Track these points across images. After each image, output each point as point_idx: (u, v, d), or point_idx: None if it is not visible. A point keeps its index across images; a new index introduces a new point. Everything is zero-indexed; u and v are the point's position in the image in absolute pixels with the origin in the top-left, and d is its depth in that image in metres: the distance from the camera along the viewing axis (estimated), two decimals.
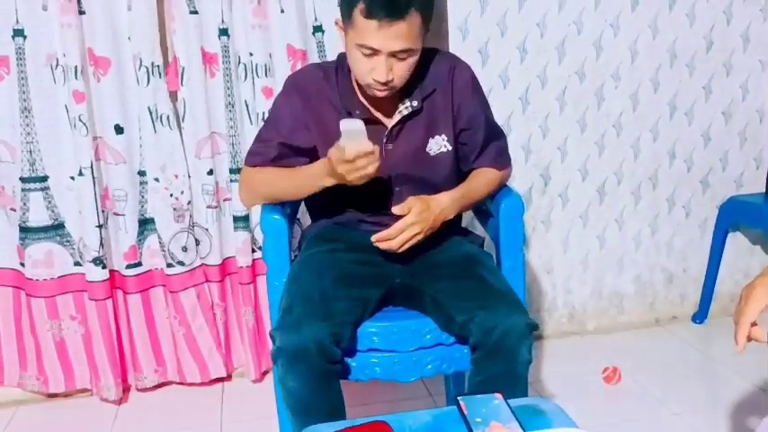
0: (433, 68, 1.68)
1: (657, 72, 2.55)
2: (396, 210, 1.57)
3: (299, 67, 2.18)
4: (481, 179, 1.73)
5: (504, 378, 1.45)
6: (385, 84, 1.54)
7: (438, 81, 1.68)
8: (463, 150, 1.73)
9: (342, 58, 1.68)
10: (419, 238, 1.58)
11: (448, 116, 1.69)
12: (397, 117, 1.65)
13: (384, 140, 1.64)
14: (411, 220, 1.56)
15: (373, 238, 1.58)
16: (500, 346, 1.46)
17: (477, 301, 1.51)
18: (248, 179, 1.74)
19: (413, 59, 1.55)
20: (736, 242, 2.74)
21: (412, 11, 1.47)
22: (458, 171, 1.74)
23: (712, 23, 2.55)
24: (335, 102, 1.66)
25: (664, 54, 2.54)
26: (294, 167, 1.68)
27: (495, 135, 1.77)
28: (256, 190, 1.73)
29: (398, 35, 1.48)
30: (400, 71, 1.54)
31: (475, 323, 1.47)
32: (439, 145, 1.69)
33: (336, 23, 1.61)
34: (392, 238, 1.57)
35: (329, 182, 1.57)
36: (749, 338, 1.19)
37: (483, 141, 1.73)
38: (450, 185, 1.69)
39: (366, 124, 1.54)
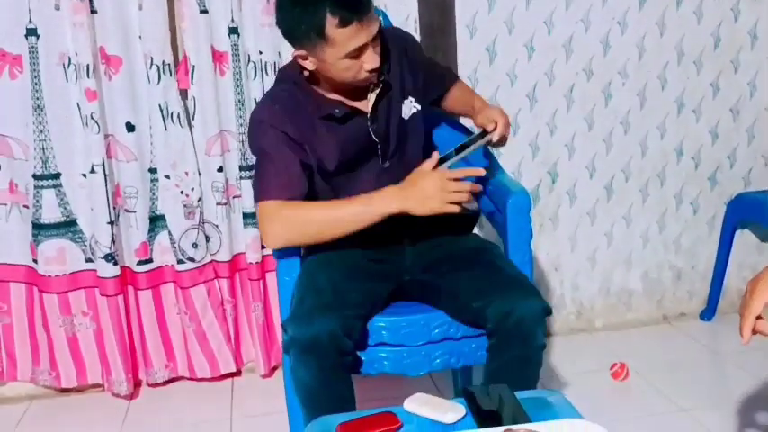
0: (387, 48, 1.69)
1: (665, 69, 2.55)
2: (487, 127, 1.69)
3: None
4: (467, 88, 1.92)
5: (518, 362, 1.49)
6: (378, 68, 1.57)
7: (394, 59, 1.71)
8: (429, 84, 1.82)
9: (286, 76, 1.71)
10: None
11: (410, 81, 1.74)
12: (372, 97, 1.66)
13: (369, 123, 1.67)
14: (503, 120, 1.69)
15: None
16: (516, 330, 1.48)
17: (491, 286, 1.54)
18: (284, 217, 1.58)
19: (379, 36, 1.58)
20: (744, 239, 2.74)
21: None
22: (425, 131, 1.81)
23: (720, 21, 2.55)
24: (314, 110, 1.64)
25: (671, 51, 2.54)
26: (333, 201, 1.62)
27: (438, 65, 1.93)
28: (299, 229, 1.59)
29: (371, 23, 1.51)
30: (381, 50, 1.58)
31: (491, 308, 1.50)
32: (409, 107, 1.73)
33: (297, 57, 1.58)
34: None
35: (395, 208, 1.53)
36: (754, 331, 1.20)
37: (439, 75, 1.88)
38: (422, 144, 1.77)
39: (349, 119, 1.62)
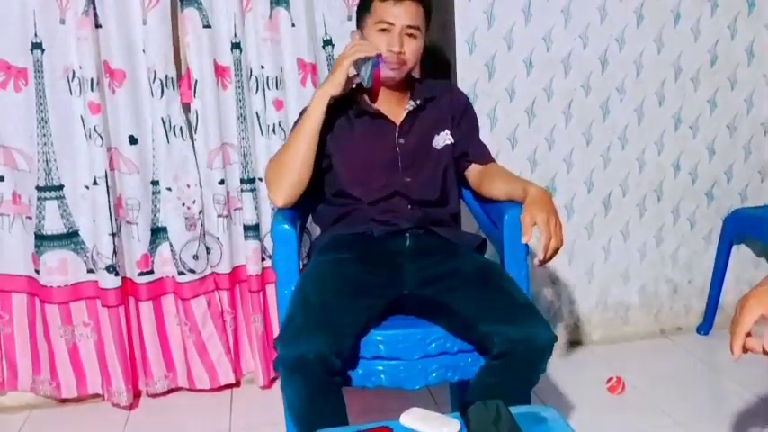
0: (432, 83, 1.94)
1: (662, 86, 2.58)
2: (525, 240, 1.58)
3: (309, 80, 2.25)
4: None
5: (515, 385, 1.51)
6: (399, 55, 1.75)
7: (438, 92, 1.91)
8: (463, 146, 1.90)
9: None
10: (556, 223, 1.60)
11: (448, 116, 1.90)
12: (404, 112, 1.84)
13: (396, 135, 1.82)
14: (544, 222, 1.59)
15: (536, 263, 1.60)
16: (524, 358, 1.50)
17: (501, 312, 1.55)
18: (269, 163, 1.86)
19: (420, 42, 1.79)
20: (741, 254, 2.76)
21: None
22: (453, 163, 1.91)
23: (717, 38, 2.58)
24: (350, 106, 1.83)
25: (669, 68, 2.57)
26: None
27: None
28: (275, 162, 1.82)
29: (408, 12, 1.75)
30: (410, 48, 1.77)
31: (499, 335, 1.50)
32: (444, 139, 1.88)
33: (352, 33, 1.85)
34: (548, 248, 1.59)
35: (319, 97, 1.75)
36: (744, 349, 1.22)
37: (479, 145, 1.95)
38: (449, 176, 1.88)
39: (380, 121, 1.82)
